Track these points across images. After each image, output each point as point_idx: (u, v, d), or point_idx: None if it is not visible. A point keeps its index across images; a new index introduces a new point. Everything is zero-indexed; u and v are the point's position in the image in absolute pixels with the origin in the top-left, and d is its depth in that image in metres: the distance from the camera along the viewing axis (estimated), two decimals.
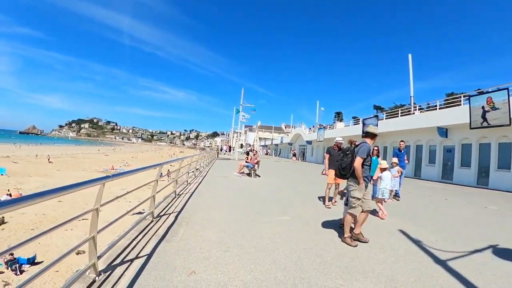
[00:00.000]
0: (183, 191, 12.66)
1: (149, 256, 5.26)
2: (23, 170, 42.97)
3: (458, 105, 24.52)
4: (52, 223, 18.97)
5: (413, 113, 29.60)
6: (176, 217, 8.15)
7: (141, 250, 5.52)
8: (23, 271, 12.43)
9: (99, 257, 4.40)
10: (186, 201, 10.38)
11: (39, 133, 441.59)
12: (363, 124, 33.67)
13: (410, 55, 33.85)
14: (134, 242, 5.94)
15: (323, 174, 11.42)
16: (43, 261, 13.17)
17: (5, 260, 12.69)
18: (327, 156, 11.23)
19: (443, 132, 24.88)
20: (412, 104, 32.61)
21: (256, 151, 22.58)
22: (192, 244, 6.06)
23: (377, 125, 29.89)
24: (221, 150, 79.64)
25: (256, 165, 20.12)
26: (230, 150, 70.95)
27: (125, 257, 5.13)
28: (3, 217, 19.23)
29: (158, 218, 7.88)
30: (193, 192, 12.37)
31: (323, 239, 6.90)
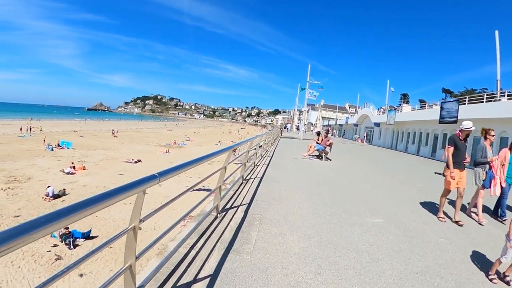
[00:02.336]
0: (250, 175, 11.08)
1: (212, 279, 3.76)
2: (88, 143, 44.01)
3: None
4: None
5: (499, 100, 25.88)
6: (246, 212, 6.57)
7: (201, 268, 4.01)
8: (77, 245, 12.07)
9: None
10: (256, 189, 8.79)
11: (106, 109, 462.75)
12: (441, 108, 30.10)
13: (497, 32, 29.89)
14: (193, 252, 4.43)
15: (444, 175, 7.76)
16: (98, 236, 13.07)
17: (60, 233, 12.24)
18: (450, 149, 7.57)
19: None
20: (498, 89, 28.82)
21: (329, 132, 20.52)
22: (269, 258, 4.49)
23: (457, 110, 26.71)
24: (284, 128, 77.86)
25: (328, 148, 18.10)
26: (298, 128, 68.88)
27: (177, 283, 3.59)
28: (64, 189, 19.07)
29: (223, 213, 6.32)
30: (262, 177, 10.77)
31: (436, 257, 5.10)
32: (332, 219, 6.54)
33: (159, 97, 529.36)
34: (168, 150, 42.40)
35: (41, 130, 60.06)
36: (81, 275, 10.09)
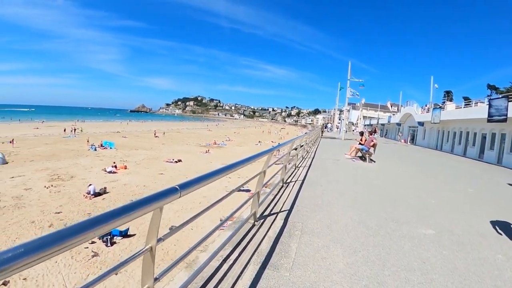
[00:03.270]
0: (291, 178, 10.54)
1: None
2: (131, 144, 44.84)
3: None
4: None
5: None
6: (286, 220, 6.08)
7: (233, 286, 3.58)
8: (114, 243, 12.13)
9: None
10: (297, 194, 8.25)
11: (148, 111, 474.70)
12: (490, 105, 28.15)
13: None
14: (225, 267, 4.00)
15: None
16: (135, 234, 12.99)
17: None
18: None
19: None
20: None
21: (375, 132, 19.58)
22: (310, 276, 4.00)
23: (507, 108, 24.94)
24: (325, 128, 76.77)
25: (372, 149, 17.30)
26: (338, 128, 67.52)
27: None
28: (105, 188, 19.33)
29: (261, 221, 5.87)
30: (303, 180, 10.22)
31: (494, 278, 4.45)
32: (380, 230, 5.94)
33: (199, 98, 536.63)
34: (208, 150, 42.49)
35: (81, 130, 61.82)
36: (115, 274, 10.06)
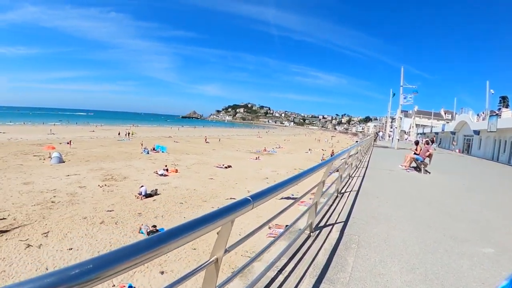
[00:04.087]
0: (345, 188, 10.39)
1: None
2: (182, 148, 45.80)
3: None
4: (201, 199, 19.40)
5: None
6: (342, 232, 5.97)
7: None
8: None
9: None
10: (352, 205, 8.12)
11: (198, 117, 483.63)
12: None
13: None
14: (280, 278, 3.96)
15: None
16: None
17: (148, 231, 12.99)
18: None
19: None
20: None
21: (433, 141, 18.85)
22: None
23: None
24: (377, 136, 75.19)
25: (428, 159, 16.73)
26: (390, 137, 65.55)
27: None
28: (156, 189, 19.85)
29: (317, 232, 5.79)
30: (358, 191, 10.04)
31: None
32: (439, 248, 5.68)
33: (249, 105, 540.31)
34: (258, 157, 42.62)
35: (132, 134, 63.81)
36: (162, 273, 10.34)
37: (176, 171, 27.36)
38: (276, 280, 3.88)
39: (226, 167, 31.46)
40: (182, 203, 18.28)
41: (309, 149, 61.13)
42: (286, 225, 4.82)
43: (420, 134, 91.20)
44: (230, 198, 18.34)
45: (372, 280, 4.17)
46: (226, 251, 2.44)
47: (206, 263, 2.31)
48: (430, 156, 16.67)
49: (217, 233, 2.30)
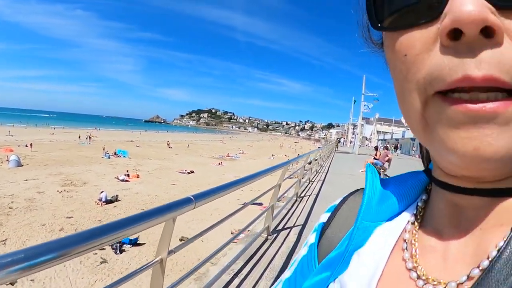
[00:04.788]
0: (305, 192, 10.41)
1: None
2: (144, 153, 45.06)
3: None
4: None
5: None
6: (300, 234, 5.97)
7: None
8: (123, 250, 11.84)
9: None
10: (311, 209, 8.13)
11: (162, 121, 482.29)
12: None
13: None
14: (236, 281, 3.95)
15: None
16: (145, 243, 12.63)
17: None
18: None
19: None
20: None
21: (387, 148, 19.46)
22: None
23: None
24: (339, 142, 76.64)
25: (387, 163, 17.18)
26: (352, 143, 66.80)
27: None
28: (117, 195, 19.40)
29: (274, 235, 5.74)
30: (317, 195, 10.09)
31: None
32: None
33: (213, 110, 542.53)
34: (221, 162, 42.43)
35: (90, 138, 61.99)
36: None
37: (138, 176, 26.78)
38: (232, 284, 3.85)
39: (188, 173, 31.09)
40: (143, 209, 17.70)
41: (272, 155, 61.37)
42: (239, 229, 4.77)
43: (381, 140, 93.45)
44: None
45: None
46: (171, 252, 2.41)
47: (151, 263, 2.28)
48: (389, 161, 17.11)
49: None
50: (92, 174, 26.12)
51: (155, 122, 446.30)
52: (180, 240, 11.69)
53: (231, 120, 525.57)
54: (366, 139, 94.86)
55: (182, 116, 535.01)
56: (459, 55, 0.34)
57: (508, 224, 0.43)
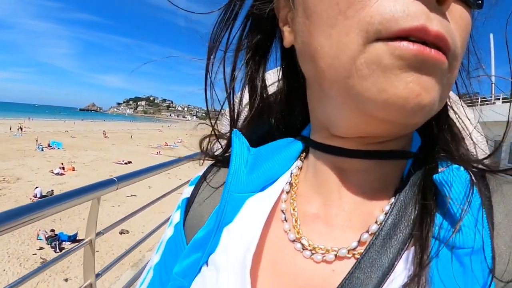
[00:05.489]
0: None
1: None
2: (79, 144, 43.74)
3: None
4: None
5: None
6: None
7: None
8: (63, 248, 11.85)
9: None
10: None
11: (98, 110, 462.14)
12: None
13: (491, 35, 29.19)
14: None
15: None
16: (84, 239, 12.83)
17: (46, 236, 12.28)
18: None
19: None
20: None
21: None
22: None
23: None
24: None
25: None
26: None
27: None
28: (52, 190, 19.00)
29: None
30: None
31: None
32: None
33: (151, 98, 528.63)
34: (159, 151, 42.12)
35: (20, 128, 58.93)
36: (66, 280, 10.10)
37: (73, 169, 26.22)
38: None
39: (126, 163, 30.60)
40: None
41: None
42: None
43: None
44: (131, 195, 18.25)
45: None
46: (100, 233, 2.64)
47: (80, 244, 2.54)
48: None
49: None
50: (26, 169, 25.28)
51: (91, 110, 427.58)
52: (120, 233, 12.07)
53: (170, 108, 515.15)
54: None
55: (119, 104, 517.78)
56: (418, 6, 0.35)
57: (392, 187, 0.47)
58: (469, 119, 0.62)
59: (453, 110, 0.57)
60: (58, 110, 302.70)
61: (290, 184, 0.54)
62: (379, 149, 0.46)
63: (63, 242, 12.23)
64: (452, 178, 0.40)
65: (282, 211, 0.51)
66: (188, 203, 0.62)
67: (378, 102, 0.37)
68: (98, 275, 2.57)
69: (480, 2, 0.42)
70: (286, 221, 0.50)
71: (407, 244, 0.40)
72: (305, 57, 0.47)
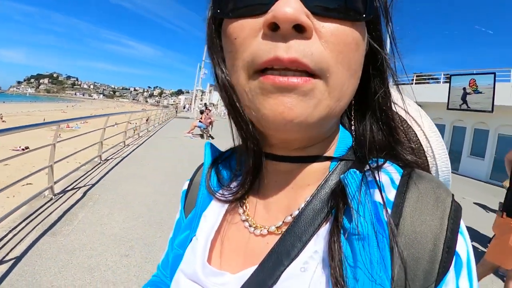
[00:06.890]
0: (114, 155, 10.84)
1: (16, 261, 3.78)
2: None
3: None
4: None
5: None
6: (85, 193, 6.42)
7: (9, 252, 3.97)
8: None
9: None
10: (110, 170, 8.57)
11: None
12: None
13: None
14: (10, 235, 4.37)
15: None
16: None
17: None
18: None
19: None
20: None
21: (210, 110, 20.47)
22: (83, 239, 4.49)
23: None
24: (183, 108, 77.52)
25: (210, 126, 18.56)
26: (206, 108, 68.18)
27: None
28: None
29: (61, 195, 6.15)
30: (125, 157, 10.53)
31: None
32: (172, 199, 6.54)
33: (55, 75, 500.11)
34: (60, 134, 40.06)
35: None
36: None
37: None
38: (5, 238, 4.23)
39: (23, 149, 28.84)
40: None
41: (116, 123, 59.64)
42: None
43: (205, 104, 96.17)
44: (27, 184, 17.15)
45: (92, 229, 4.78)
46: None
47: None
48: (211, 123, 18.29)
49: None
50: None
51: None
52: None
53: (75, 86, 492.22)
54: (213, 105, 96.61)
55: (19, 82, 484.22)
56: (274, 41, 0.45)
57: (314, 184, 0.60)
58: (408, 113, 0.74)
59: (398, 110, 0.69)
60: None
61: (245, 180, 0.66)
62: (302, 155, 0.60)
63: None
64: (353, 178, 0.52)
65: (238, 200, 0.68)
66: (186, 193, 0.83)
67: (258, 121, 0.52)
68: None
69: (353, 14, 0.49)
70: (241, 207, 0.67)
71: (319, 225, 0.55)
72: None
